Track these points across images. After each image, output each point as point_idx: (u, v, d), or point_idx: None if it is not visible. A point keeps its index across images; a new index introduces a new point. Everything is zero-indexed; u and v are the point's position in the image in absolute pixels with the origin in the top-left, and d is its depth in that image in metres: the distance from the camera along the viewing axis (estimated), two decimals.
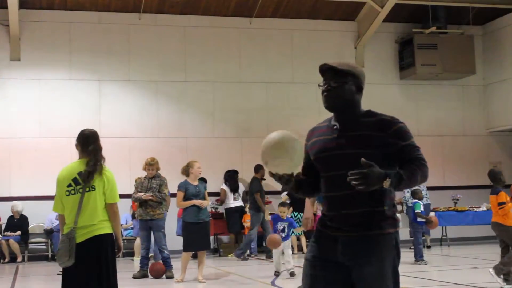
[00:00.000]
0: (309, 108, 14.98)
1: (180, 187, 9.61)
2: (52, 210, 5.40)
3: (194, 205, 9.50)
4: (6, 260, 13.75)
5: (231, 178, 14.39)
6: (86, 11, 14.91)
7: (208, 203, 9.79)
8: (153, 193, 10.14)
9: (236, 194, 14.29)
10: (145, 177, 10.43)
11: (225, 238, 15.23)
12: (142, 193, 10.15)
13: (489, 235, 16.39)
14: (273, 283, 9.19)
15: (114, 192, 5.24)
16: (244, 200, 14.48)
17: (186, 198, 9.53)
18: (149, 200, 10.11)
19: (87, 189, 5.13)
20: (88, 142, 5.29)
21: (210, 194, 14.22)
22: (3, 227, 14.09)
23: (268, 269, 11.01)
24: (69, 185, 5.19)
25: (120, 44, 15.06)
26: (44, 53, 14.62)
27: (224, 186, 14.45)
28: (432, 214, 13.08)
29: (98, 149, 5.29)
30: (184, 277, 9.59)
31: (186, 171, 9.74)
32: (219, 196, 14.47)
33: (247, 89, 15.59)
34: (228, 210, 14.23)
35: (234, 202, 14.19)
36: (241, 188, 14.57)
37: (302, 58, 15.58)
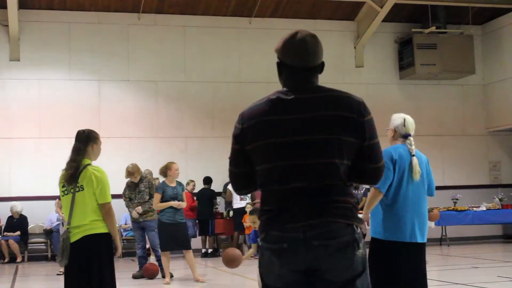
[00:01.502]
0: None
1: (157, 189, 9.66)
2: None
3: (171, 207, 9.52)
4: (6, 260, 13.75)
5: None
6: (85, 11, 14.91)
7: (185, 205, 9.79)
8: (143, 201, 10.20)
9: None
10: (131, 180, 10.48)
11: (225, 238, 15.25)
12: (136, 210, 10.22)
13: (489, 235, 16.47)
14: None
15: (104, 192, 5.14)
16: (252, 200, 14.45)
17: (163, 199, 9.55)
18: (141, 202, 10.19)
19: (77, 189, 5.13)
20: (74, 142, 5.32)
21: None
22: (2, 227, 14.09)
23: None
24: (63, 186, 5.23)
25: (120, 44, 15.06)
26: (43, 53, 14.62)
27: (230, 186, 14.42)
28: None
29: (74, 148, 5.23)
30: (169, 277, 9.57)
31: (164, 172, 9.72)
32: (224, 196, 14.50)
33: (247, 89, 15.59)
34: (235, 210, 14.16)
35: (240, 202, 14.11)
36: None
37: None
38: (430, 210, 11.90)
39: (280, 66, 2.89)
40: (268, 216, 2.69)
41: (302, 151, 2.66)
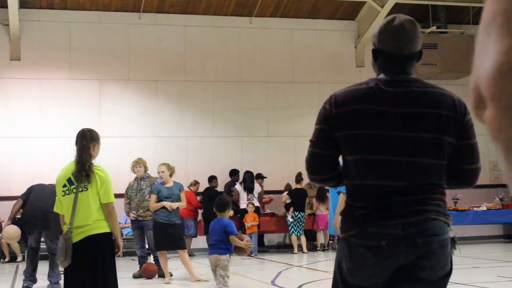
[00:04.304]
0: (309, 108, 14.97)
1: (153, 190, 9.75)
2: (54, 211, 5.41)
3: (165, 207, 9.56)
4: (6, 259, 13.75)
5: (248, 178, 14.26)
6: (86, 11, 14.91)
7: (184, 205, 9.83)
8: (143, 199, 10.23)
9: (251, 195, 14.19)
10: (134, 179, 10.50)
11: None
12: (132, 213, 10.32)
13: (489, 235, 16.47)
14: (273, 283, 9.19)
15: (108, 191, 5.16)
16: (259, 200, 14.40)
17: (159, 200, 9.62)
18: (140, 202, 10.22)
19: (80, 189, 5.12)
20: (77, 141, 5.29)
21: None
22: (3, 226, 14.08)
23: (269, 268, 11.00)
24: (64, 186, 5.20)
25: (120, 44, 15.07)
26: (44, 52, 14.62)
27: (238, 186, 14.38)
28: None
29: (83, 147, 5.20)
30: (169, 277, 9.57)
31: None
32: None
33: (247, 88, 15.59)
34: (241, 210, 14.10)
35: (246, 203, 14.05)
36: (258, 189, 14.44)
37: (302, 58, 15.58)
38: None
39: (376, 52, 2.79)
40: (362, 212, 2.58)
41: (406, 148, 2.57)
